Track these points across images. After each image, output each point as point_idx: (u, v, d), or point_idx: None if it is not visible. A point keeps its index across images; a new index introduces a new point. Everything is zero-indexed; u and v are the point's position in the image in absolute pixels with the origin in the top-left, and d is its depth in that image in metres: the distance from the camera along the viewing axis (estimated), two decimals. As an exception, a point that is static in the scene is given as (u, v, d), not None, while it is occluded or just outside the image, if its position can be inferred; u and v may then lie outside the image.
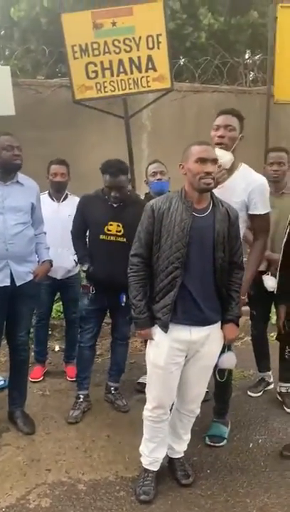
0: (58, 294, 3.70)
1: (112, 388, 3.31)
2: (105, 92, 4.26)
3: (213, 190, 2.23)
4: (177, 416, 2.48)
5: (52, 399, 3.35)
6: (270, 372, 3.51)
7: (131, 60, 4.19)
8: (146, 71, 4.21)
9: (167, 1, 5.07)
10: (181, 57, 6.27)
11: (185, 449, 2.56)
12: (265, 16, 5.99)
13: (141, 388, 3.27)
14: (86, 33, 4.14)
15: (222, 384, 2.77)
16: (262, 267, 3.23)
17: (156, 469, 2.45)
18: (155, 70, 4.22)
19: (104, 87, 4.24)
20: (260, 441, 2.89)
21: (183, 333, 2.22)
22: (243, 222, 2.55)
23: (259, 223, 2.63)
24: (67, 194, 3.54)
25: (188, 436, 2.54)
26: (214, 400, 2.97)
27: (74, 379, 3.41)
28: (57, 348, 4.20)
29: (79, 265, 3.21)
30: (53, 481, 2.49)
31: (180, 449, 2.54)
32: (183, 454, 2.56)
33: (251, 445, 2.85)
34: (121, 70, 4.20)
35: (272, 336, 3.70)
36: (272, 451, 2.78)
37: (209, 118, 2.77)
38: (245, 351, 3.67)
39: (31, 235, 2.84)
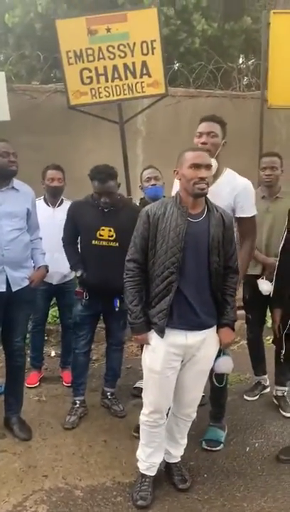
0: (54, 299, 3.70)
1: (108, 393, 3.31)
2: (100, 97, 4.29)
3: None
4: (173, 420, 2.48)
5: (49, 404, 3.34)
6: (266, 376, 3.52)
7: (125, 65, 4.21)
8: (141, 77, 4.24)
9: (161, 7, 5.09)
10: (175, 62, 6.30)
11: (182, 453, 2.56)
12: (258, 21, 6.04)
13: (137, 393, 3.26)
14: (80, 39, 4.16)
15: (217, 388, 2.78)
16: (257, 271, 3.25)
17: (153, 474, 2.45)
18: (149, 75, 4.25)
19: (99, 93, 4.27)
20: (257, 445, 2.90)
21: (179, 338, 2.23)
22: None
23: (247, 225, 2.66)
24: (62, 199, 3.55)
25: (184, 441, 2.54)
26: (210, 404, 2.97)
27: (70, 384, 3.40)
28: (53, 354, 4.19)
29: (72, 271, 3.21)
30: (50, 487, 2.49)
31: (177, 453, 2.54)
32: (179, 459, 2.56)
33: (247, 449, 2.85)
34: (116, 75, 4.23)
35: (268, 339, 3.72)
36: (269, 455, 2.79)
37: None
38: (241, 355, 3.68)
39: (27, 240, 2.84)
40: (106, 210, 2.92)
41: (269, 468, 2.66)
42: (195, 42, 6.32)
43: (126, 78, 4.24)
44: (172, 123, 5.51)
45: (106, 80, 4.24)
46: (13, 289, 2.74)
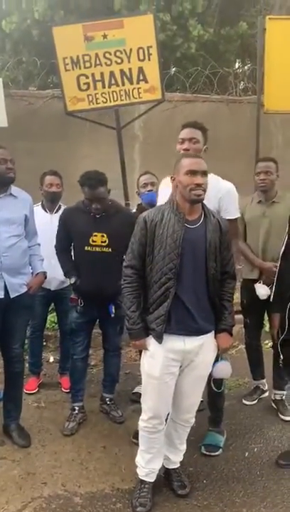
0: (52, 305, 3.70)
1: (107, 399, 3.30)
2: (97, 103, 4.30)
3: None
4: (172, 426, 2.48)
5: (48, 410, 3.34)
6: (264, 380, 3.52)
7: (122, 71, 4.23)
8: (138, 82, 4.26)
9: (157, 13, 5.12)
10: (172, 67, 6.34)
11: (181, 459, 2.56)
12: (254, 26, 6.08)
13: (136, 398, 3.26)
14: (77, 46, 4.17)
15: (215, 393, 2.78)
16: (254, 276, 3.27)
17: (152, 480, 2.45)
18: (146, 81, 4.26)
19: (96, 99, 4.28)
20: (256, 449, 2.90)
21: (177, 344, 2.24)
22: None
23: (231, 227, 2.67)
24: (60, 205, 3.55)
25: (183, 447, 2.54)
26: (208, 409, 2.97)
27: (69, 390, 3.40)
28: (51, 359, 4.18)
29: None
30: (49, 494, 2.48)
31: (176, 459, 2.54)
32: (179, 465, 2.56)
33: (246, 454, 2.85)
34: (113, 81, 4.24)
35: (266, 343, 3.73)
36: (268, 460, 2.79)
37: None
38: (239, 359, 3.68)
39: (25, 247, 2.85)
40: (98, 216, 2.93)
41: (268, 473, 2.66)
42: (192, 47, 6.36)
43: (123, 84, 4.26)
44: (169, 128, 5.52)
45: (103, 86, 4.26)
46: (12, 296, 2.74)
